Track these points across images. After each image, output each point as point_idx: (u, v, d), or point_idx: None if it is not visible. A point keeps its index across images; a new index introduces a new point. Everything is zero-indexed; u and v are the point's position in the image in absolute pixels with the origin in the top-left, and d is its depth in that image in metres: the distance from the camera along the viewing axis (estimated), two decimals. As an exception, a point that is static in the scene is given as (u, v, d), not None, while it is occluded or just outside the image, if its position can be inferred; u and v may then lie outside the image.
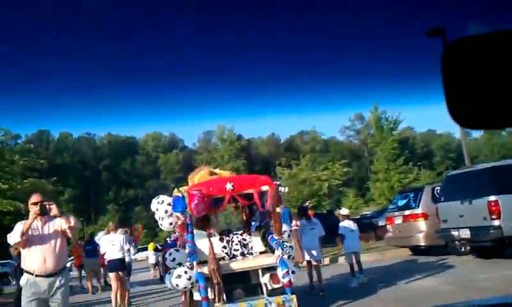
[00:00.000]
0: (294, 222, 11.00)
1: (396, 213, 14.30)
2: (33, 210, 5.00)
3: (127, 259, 10.72)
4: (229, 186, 7.33)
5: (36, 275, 5.01)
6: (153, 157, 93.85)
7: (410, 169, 37.37)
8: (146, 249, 21.20)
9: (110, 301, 10.35)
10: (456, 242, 11.81)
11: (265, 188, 7.52)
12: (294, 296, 6.81)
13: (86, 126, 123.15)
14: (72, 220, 5.20)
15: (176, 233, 8.90)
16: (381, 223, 22.03)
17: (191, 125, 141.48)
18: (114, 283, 10.37)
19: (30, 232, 5.02)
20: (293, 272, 7.09)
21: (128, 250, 10.81)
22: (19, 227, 5.05)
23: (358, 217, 32.43)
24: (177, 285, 7.04)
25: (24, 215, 12.75)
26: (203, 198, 7.20)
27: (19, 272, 12.02)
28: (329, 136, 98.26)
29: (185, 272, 7.00)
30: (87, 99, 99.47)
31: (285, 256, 7.24)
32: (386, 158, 36.44)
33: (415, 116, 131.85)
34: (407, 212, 13.67)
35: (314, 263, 9.80)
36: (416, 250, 13.89)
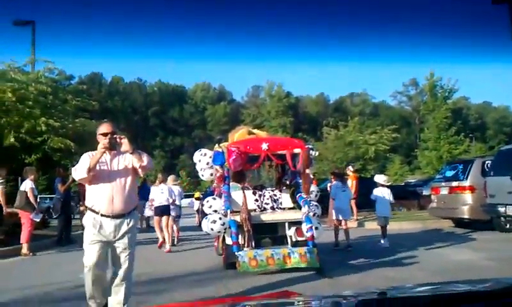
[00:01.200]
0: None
1: (443, 184, 14.11)
2: (102, 142, 4.43)
3: (177, 202, 12.16)
4: (265, 146, 8.15)
5: (102, 215, 4.47)
6: (201, 108, 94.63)
7: (461, 140, 36.07)
8: (189, 196, 21.58)
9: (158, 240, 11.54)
10: (502, 218, 11.56)
11: (297, 150, 8.31)
12: (315, 248, 7.59)
13: (137, 72, 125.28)
14: (145, 159, 4.54)
15: (215, 184, 9.45)
16: (425, 192, 21.71)
17: (241, 78, 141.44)
18: (157, 225, 11.56)
19: (97, 167, 4.45)
20: (316, 228, 7.81)
21: (174, 200, 11.89)
22: (85, 160, 4.45)
23: (402, 184, 31.97)
24: (212, 229, 7.88)
25: (73, 154, 13.23)
26: (241, 155, 8.04)
27: (62, 207, 12.64)
28: (380, 100, 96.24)
29: (220, 219, 7.85)
30: (140, 45, 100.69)
31: (311, 213, 8.05)
32: (438, 127, 35.24)
33: (471, 87, 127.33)
34: (454, 184, 13.47)
35: (343, 222, 10.59)
36: (459, 223, 13.74)
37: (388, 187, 11.42)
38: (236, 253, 7.50)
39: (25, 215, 10.60)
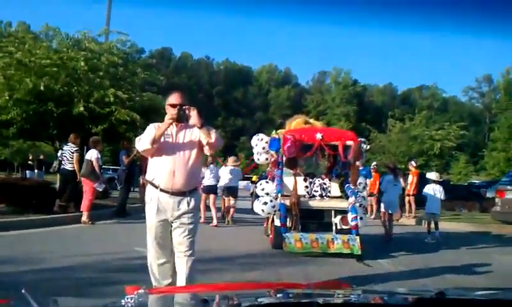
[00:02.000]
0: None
1: (508, 187, 13.50)
2: (170, 112, 4.16)
3: (232, 184, 13.04)
4: (319, 136, 8.70)
5: (161, 190, 4.18)
6: (265, 90, 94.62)
7: (534, 143, 34.23)
8: (247, 179, 21.74)
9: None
10: None
11: (349, 142, 8.85)
12: (358, 237, 8.00)
13: (206, 50, 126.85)
14: (213, 136, 4.13)
15: (269, 168, 10.14)
16: (489, 195, 20.91)
17: (308, 62, 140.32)
18: (203, 203, 11.97)
19: (162, 139, 4.15)
20: (361, 218, 8.34)
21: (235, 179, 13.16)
22: (151, 132, 4.18)
23: (466, 184, 30.80)
24: (262, 210, 8.54)
25: (138, 127, 13.57)
26: (295, 143, 8.62)
27: (125, 179, 13.06)
28: (450, 95, 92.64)
29: (271, 201, 8.48)
30: (210, 23, 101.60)
31: (357, 204, 8.46)
32: (510, 128, 33.63)
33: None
34: (522, 188, 12.86)
35: (389, 215, 10.99)
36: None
37: (440, 183, 11.69)
38: (283, 234, 8.05)
39: (88, 184, 10.95)
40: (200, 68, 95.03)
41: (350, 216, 8.23)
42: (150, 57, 44.61)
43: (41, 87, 12.34)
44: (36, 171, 24.38)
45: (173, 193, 4.17)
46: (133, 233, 8.66)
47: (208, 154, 4.61)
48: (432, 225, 11.19)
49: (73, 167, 11.33)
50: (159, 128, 4.16)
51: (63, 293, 4.54)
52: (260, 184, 9.31)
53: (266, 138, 9.53)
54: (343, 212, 8.49)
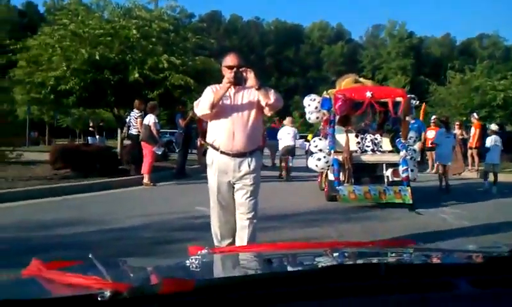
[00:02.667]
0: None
1: None
2: (227, 76, 4.07)
3: (292, 144, 13.68)
4: (369, 94, 8.96)
5: (221, 152, 4.17)
6: (318, 47, 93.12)
7: None
8: (302, 137, 21.78)
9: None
10: None
11: (399, 99, 9.17)
12: (408, 188, 8.46)
13: (255, 11, 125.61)
14: (272, 97, 4.06)
15: (321, 126, 10.73)
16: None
17: (361, 17, 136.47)
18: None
19: (220, 102, 4.11)
20: (412, 170, 8.87)
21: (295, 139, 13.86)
22: (209, 96, 4.13)
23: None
24: (316, 166, 9.31)
25: (192, 91, 13.69)
26: (346, 101, 8.94)
27: (183, 141, 13.31)
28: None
29: (324, 157, 9.17)
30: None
31: (408, 157, 8.92)
32: None
33: None
34: None
35: (444, 166, 11.43)
36: None
37: (499, 134, 12.06)
38: (337, 187, 8.61)
39: (147, 148, 11.28)
40: (250, 30, 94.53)
41: (401, 168, 8.70)
42: (200, 21, 44.52)
43: (97, 57, 12.64)
44: (97, 136, 25.19)
45: (234, 155, 4.15)
46: (193, 193, 8.93)
47: (268, 115, 4.52)
48: (491, 177, 11.53)
49: (138, 131, 11.79)
50: (217, 92, 4.10)
51: (128, 253, 4.70)
52: (314, 141, 9.99)
53: (318, 98, 9.97)
54: (394, 165, 8.92)
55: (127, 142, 14.58)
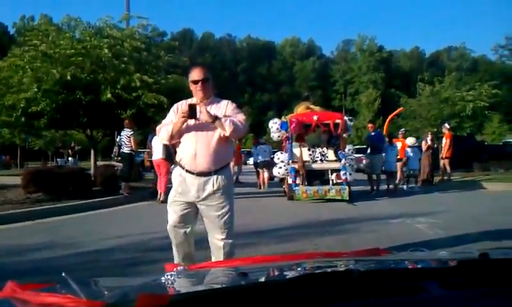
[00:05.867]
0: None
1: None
2: (181, 111, 3.98)
3: (268, 159, 16.14)
4: (315, 117, 12.11)
5: (187, 171, 4.03)
6: (290, 63, 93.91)
7: None
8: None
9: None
10: None
11: (338, 120, 12.14)
12: (347, 187, 11.43)
13: (227, 28, 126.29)
14: (228, 129, 3.91)
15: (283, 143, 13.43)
16: (526, 152, 20.39)
17: (331, 32, 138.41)
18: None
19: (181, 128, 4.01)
20: (350, 174, 11.80)
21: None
22: (167, 127, 4.05)
23: (501, 144, 30.08)
24: (279, 173, 12.71)
25: (165, 110, 13.60)
26: (298, 124, 12.17)
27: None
28: (480, 54, 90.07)
29: (284, 166, 12.29)
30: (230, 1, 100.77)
31: (347, 164, 11.86)
32: (543, 83, 32.59)
33: None
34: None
35: (391, 172, 14.33)
36: None
37: (419, 148, 16.38)
38: (294, 188, 11.62)
39: (166, 166, 11.69)
40: (222, 47, 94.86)
41: (342, 173, 11.77)
42: (172, 39, 44.45)
43: (68, 77, 12.50)
44: (70, 158, 24.86)
45: (198, 174, 4.01)
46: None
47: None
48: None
49: (130, 150, 12.26)
50: (175, 124, 3.99)
51: (104, 275, 4.62)
52: (276, 155, 13.09)
53: (278, 121, 13.03)
54: (337, 171, 11.90)
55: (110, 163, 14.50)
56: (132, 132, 12.39)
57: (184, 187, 4.06)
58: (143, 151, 14.59)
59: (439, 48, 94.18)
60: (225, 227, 4.10)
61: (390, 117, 18.53)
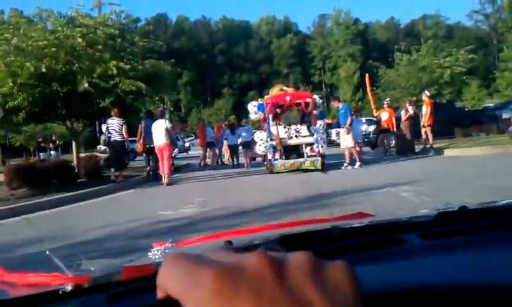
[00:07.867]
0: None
1: (524, 105, 13.32)
2: None
3: (249, 139, 16.91)
4: (288, 98, 13.69)
5: None
6: (267, 42, 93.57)
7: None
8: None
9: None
10: None
11: (308, 100, 13.68)
12: (319, 158, 12.93)
13: (201, 10, 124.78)
14: None
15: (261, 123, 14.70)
16: (505, 115, 20.73)
17: (306, 8, 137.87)
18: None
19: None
20: (322, 147, 13.19)
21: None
22: None
23: (480, 108, 30.41)
24: (259, 150, 14.08)
25: (144, 95, 13.53)
26: (273, 104, 13.63)
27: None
28: (455, 21, 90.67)
29: (264, 143, 13.56)
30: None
31: (319, 138, 13.23)
32: (519, 45, 32.87)
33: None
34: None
35: (356, 145, 14.15)
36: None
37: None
38: (273, 162, 13.15)
39: (169, 150, 12.52)
40: (198, 30, 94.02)
41: (315, 146, 13.17)
42: (146, 24, 43.90)
43: (43, 69, 12.34)
44: (52, 152, 24.57)
45: None
46: (155, 199, 8.87)
47: None
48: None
49: (123, 138, 12.45)
50: None
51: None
52: (256, 134, 14.50)
53: (256, 103, 14.45)
54: (310, 144, 13.26)
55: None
56: (124, 121, 12.62)
57: None
58: (134, 139, 14.48)
59: (414, 18, 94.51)
60: None
61: (368, 90, 18.55)
